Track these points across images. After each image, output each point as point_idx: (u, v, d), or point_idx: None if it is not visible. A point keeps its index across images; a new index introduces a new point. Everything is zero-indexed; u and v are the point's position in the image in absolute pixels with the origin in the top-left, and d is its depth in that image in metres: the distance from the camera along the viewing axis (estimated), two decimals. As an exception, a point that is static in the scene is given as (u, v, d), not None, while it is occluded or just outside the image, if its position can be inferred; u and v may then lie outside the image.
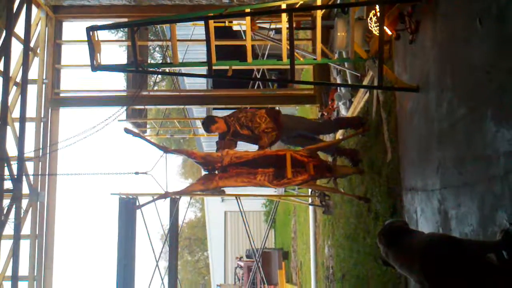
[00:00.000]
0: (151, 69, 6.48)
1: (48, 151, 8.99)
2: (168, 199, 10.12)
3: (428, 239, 3.24)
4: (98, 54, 5.19)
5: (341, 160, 6.83)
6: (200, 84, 16.12)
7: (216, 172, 6.01)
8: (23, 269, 8.52)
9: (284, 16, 5.33)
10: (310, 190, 9.38)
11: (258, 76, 13.77)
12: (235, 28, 12.75)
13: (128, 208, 9.44)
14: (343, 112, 7.91)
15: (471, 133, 3.59)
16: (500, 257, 2.98)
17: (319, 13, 5.52)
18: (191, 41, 12.17)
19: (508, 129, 3.08)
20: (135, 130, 6.29)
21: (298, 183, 5.99)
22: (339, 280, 8.86)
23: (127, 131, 6.20)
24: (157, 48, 24.98)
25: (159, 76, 19.23)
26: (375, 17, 5.13)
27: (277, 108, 9.35)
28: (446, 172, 4.07)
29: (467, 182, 3.67)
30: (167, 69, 7.69)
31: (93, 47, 5.09)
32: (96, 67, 5.18)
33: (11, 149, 8.08)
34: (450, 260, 2.98)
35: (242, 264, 20.79)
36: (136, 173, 7.96)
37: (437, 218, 4.24)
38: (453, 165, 3.92)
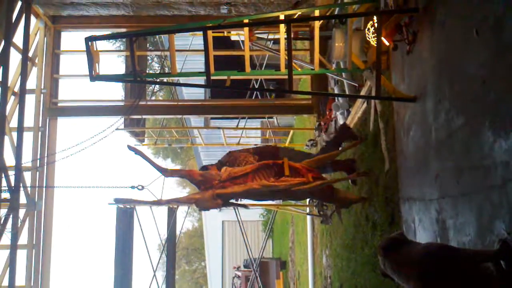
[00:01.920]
0: (150, 79, 6.49)
1: (45, 162, 8.98)
2: (166, 209, 10.13)
3: (426, 249, 3.25)
4: (97, 64, 5.21)
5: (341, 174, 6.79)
6: (198, 94, 16.15)
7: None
8: (20, 279, 8.48)
9: (282, 27, 5.37)
10: (308, 200, 9.36)
11: (256, 86, 13.82)
12: (234, 38, 12.81)
13: (126, 217, 9.42)
14: (341, 122, 7.92)
15: (468, 143, 3.60)
16: (498, 267, 2.98)
17: (317, 24, 5.55)
18: (189, 51, 12.22)
19: (505, 139, 3.09)
20: (138, 148, 6.34)
21: (296, 182, 5.97)
22: (337, 290, 8.83)
23: (130, 148, 6.25)
24: (155, 58, 25.00)
25: (157, 86, 19.26)
26: (373, 27, 5.15)
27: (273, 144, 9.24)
28: (444, 181, 4.07)
29: (465, 192, 3.68)
30: (165, 79, 7.70)
31: (92, 57, 5.10)
32: (94, 77, 5.20)
33: (9, 158, 8.07)
34: (448, 270, 2.98)
35: (239, 273, 20.72)
36: (132, 187, 7.96)
37: (435, 227, 4.24)
38: (451, 175, 3.93)
